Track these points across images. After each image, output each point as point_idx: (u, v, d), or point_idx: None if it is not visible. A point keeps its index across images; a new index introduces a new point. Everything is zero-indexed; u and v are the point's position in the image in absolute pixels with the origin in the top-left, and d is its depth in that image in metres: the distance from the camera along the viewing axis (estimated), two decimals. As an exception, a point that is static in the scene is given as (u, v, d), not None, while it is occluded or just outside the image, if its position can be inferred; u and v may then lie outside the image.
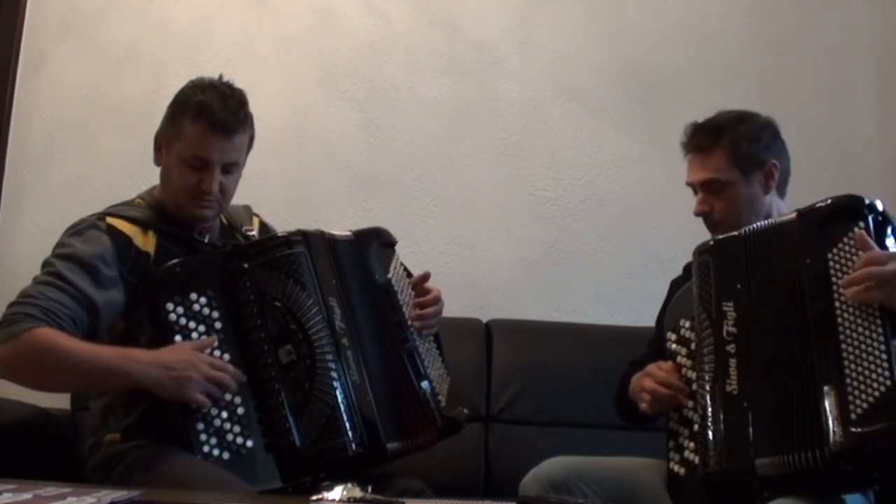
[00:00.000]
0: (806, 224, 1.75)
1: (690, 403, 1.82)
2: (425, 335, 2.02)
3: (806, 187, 2.12)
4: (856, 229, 1.69)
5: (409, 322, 1.99)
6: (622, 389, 2.06)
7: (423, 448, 1.95)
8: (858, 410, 1.58)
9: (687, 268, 2.02)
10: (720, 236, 1.90)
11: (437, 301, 2.05)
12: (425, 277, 2.05)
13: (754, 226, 1.87)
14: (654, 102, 3.10)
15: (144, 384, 1.73)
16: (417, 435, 1.92)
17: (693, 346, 1.86)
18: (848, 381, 1.60)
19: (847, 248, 1.69)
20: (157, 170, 1.98)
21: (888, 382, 1.57)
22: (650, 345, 2.12)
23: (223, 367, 1.77)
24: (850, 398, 1.59)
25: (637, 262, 3.02)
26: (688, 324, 1.90)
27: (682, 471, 1.82)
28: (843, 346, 1.63)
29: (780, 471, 1.65)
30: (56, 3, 2.95)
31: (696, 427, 1.79)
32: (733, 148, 2.02)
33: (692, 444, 1.80)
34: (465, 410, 2.01)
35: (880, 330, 1.62)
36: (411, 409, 1.92)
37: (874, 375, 1.59)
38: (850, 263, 1.67)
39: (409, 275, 2.06)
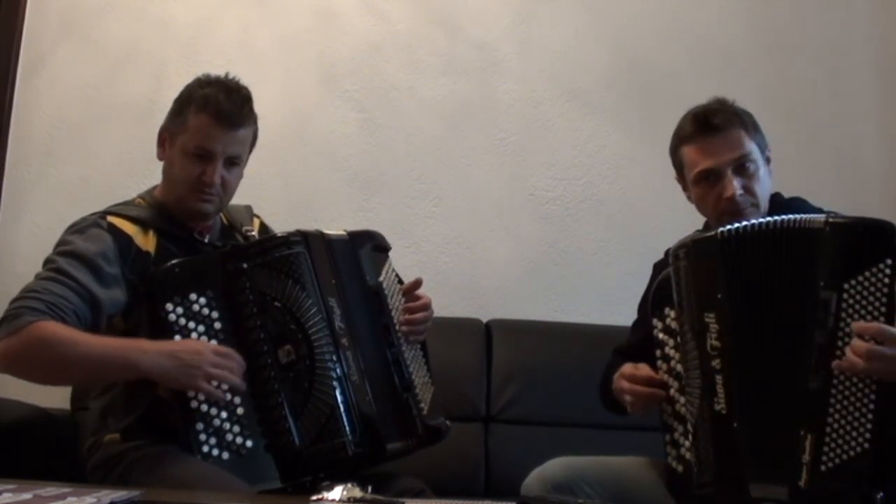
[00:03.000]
0: (832, 239, 1.61)
1: (683, 399, 1.77)
2: (412, 341, 2.01)
3: (805, 187, 2.12)
4: (882, 266, 1.56)
5: (398, 327, 1.98)
6: (606, 382, 2.01)
7: (404, 455, 1.93)
8: (830, 464, 1.55)
9: (668, 252, 1.90)
10: (697, 237, 1.79)
11: (427, 308, 2.04)
12: (417, 284, 2.05)
13: (732, 227, 1.72)
14: (653, 102, 3.09)
15: (150, 374, 1.72)
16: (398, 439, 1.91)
17: (679, 338, 1.78)
18: (828, 430, 1.56)
19: (868, 283, 1.57)
20: (157, 170, 1.98)
21: (865, 445, 1.54)
22: (634, 330, 2.07)
23: (229, 354, 1.76)
24: (826, 448, 1.56)
25: (637, 262, 2.99)
26: (672, 313, 1.79)
27: (679, 468, 1.79)
28: (833, 391, 1.57)
29: (771, 496, 1.63)
30: (56, 3, 2.96)
31: (689, 425, 1.75)
32: (746, 126, 1.89)
33: (687, 442, 1.77)
34: (448, 422, 1.98)
35: (874, 387, 1.56)
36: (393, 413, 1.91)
37: (854, 434, 1.55)
38: (864, 302, 1.57)
39: (401, 282, 2.06)
